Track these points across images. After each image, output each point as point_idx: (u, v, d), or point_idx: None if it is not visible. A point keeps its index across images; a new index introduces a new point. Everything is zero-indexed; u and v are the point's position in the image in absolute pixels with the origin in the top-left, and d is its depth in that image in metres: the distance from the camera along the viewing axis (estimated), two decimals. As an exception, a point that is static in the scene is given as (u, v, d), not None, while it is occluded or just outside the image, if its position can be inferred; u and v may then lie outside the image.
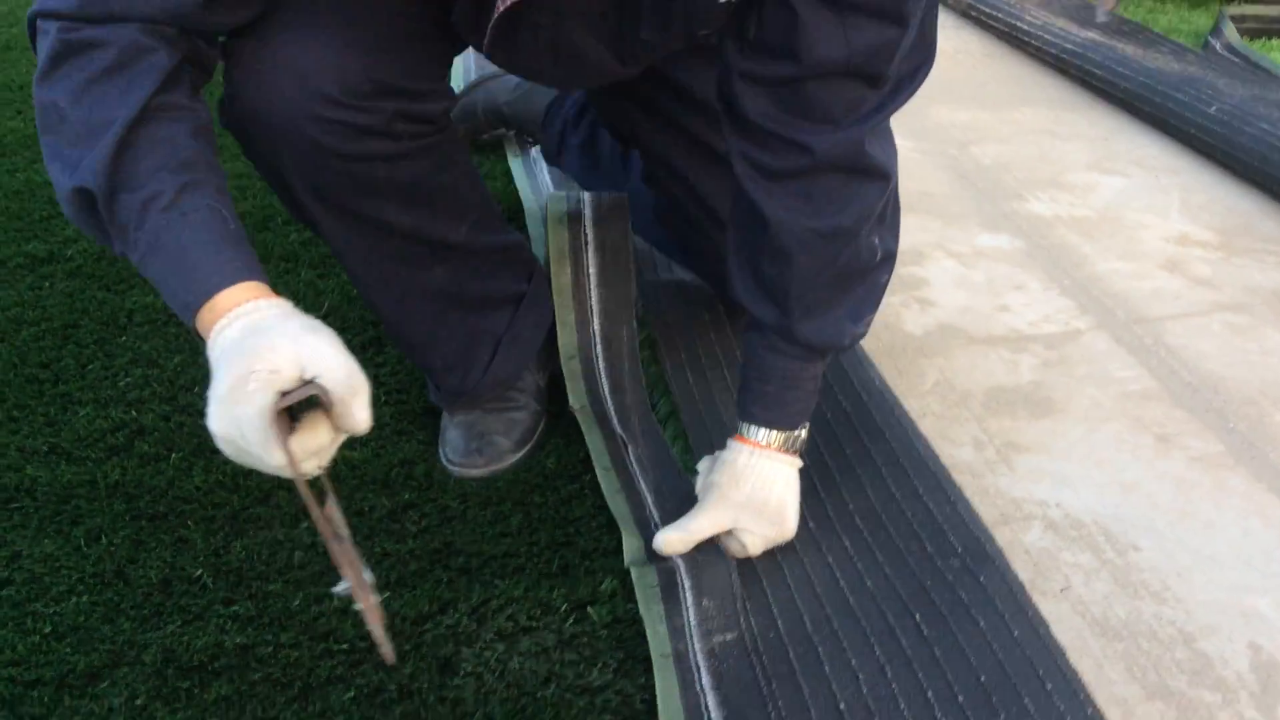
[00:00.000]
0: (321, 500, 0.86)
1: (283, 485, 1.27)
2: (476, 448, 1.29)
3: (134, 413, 1.40)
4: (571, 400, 1.35)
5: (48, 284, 1.70)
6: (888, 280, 1.15)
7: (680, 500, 1.16)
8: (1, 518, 1.22)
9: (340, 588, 0.88)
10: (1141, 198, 2.09)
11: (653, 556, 1.11)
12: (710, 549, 1.10)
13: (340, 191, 1.09)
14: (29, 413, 1.40)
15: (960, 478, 1.32)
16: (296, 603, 1.11)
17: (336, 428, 0.84)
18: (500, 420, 1.31)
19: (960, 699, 0.93)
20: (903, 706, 0.93)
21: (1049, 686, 0.94)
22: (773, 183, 1.03)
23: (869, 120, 0.99)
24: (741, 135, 1.04)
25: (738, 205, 1.09)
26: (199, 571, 1.15)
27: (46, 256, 1.77)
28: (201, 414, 1.36)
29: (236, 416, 0.79)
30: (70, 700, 1.01)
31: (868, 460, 1.26)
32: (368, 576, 0.88)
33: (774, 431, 1.13)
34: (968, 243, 1.92)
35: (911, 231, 1.95)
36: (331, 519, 0.87)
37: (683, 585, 1.07)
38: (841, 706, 0.93)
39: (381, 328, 1.57)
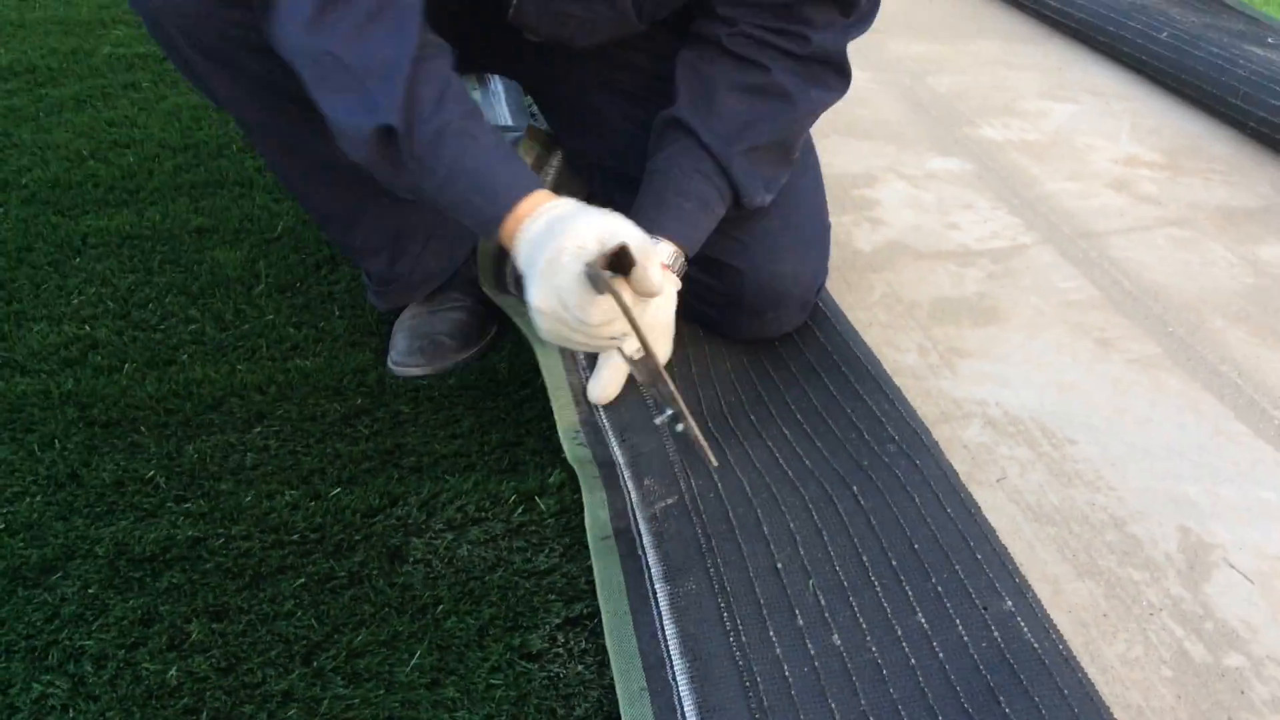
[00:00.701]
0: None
1: (236, 393, 1.29)
2: (420, 347, 1.30)
3: (88, 328, 1.41)
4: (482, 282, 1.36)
5: (2, 210, 1.69)
6: (783, 183, 1.23)
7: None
8: (-46, 427, 1.23)
9: (660, 418, 1.07)
10: (1092, 122, 2.12)
11: (590, 437, 1.15)
12: (649, 434, 1.13)
13: (222, 48, 1.09)
14: (-18, 330, 1.41)
15: (903, 381, 1.34)
16: (248, 499, 1.13)
17: (635, 289, 0.94)
18: (444, 320, 1.33)
19: (894, 563, 0.96)
20: (837, 567, 0.96)
21: (979, 557, 0.97)
22: (766, 49, 1.14)
23: (847, 33, 1.16)
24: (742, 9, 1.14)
25: (706, 59, 1.18)
26: (151, 473, 1.17)
27: (1, 184, 1.76)
28: (155, 328, 1.38)
29: (556, 286, 0.92)
30: (23, 590, 1.02)
31: (809, 368, 1.28)
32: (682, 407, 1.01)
33: (673, 248, 1.12)
34: (919, 166, 1.94)
35: (865, 156, 1.97)
36: (652, 367, 0.99)
37: (622, 472, 1.09)
38: (779, 565, 0.96)
39: (334, 249, 1.58)
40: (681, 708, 0.85)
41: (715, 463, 1.02)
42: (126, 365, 1.33)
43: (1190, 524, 1.15)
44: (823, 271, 1.31)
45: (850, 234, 1.71)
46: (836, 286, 1.53)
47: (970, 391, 1.35)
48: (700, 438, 1.00)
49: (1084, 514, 1.16)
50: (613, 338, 0.98)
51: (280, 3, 0.94)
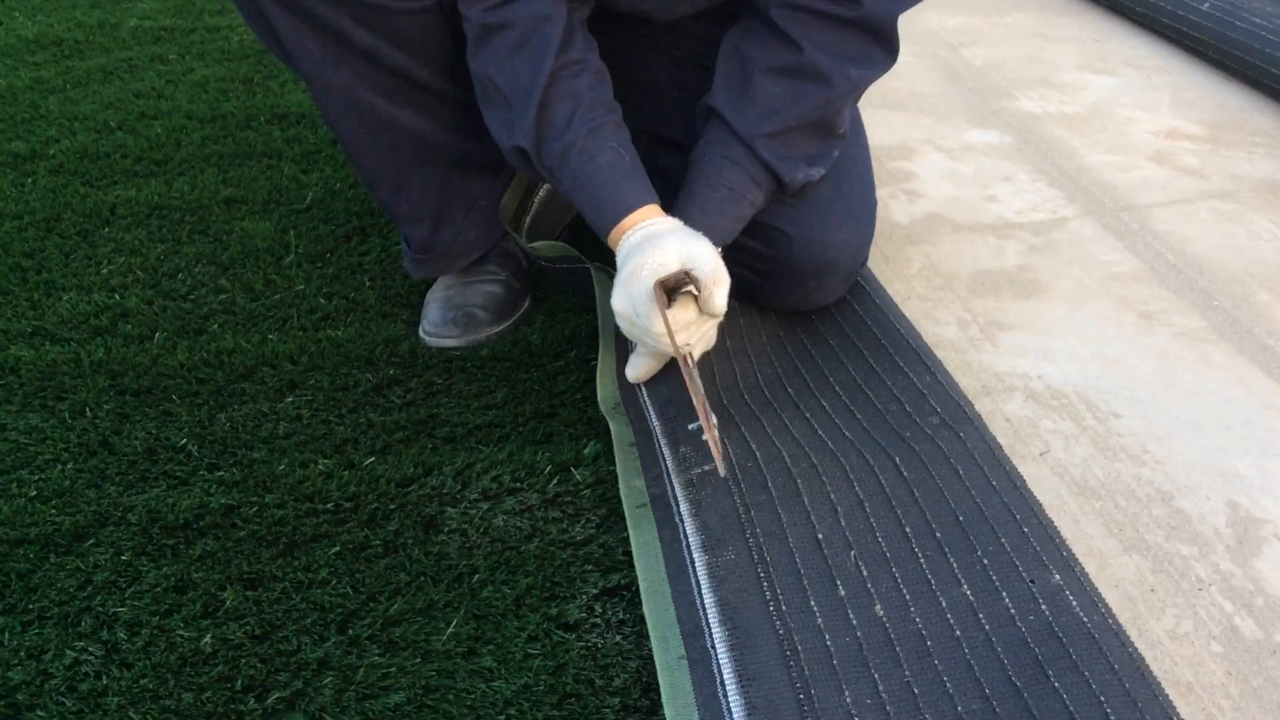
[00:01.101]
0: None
1: (267, 362, 1.27)
2: (453, 319, 1.29)
3: (117, 297, 1.40)
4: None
5: (30, 180, 1.69)
6: (835, 156, 1.22)
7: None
8: (-13, 394, 1.23)
9: (692, 425, 1.09)
10: (1132, 95, 2.08)
11: (628, 402, 1.15)
12: (681, 399, 1.12)
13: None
14: (12, 298, 1.40)
15: (943, 354, 1.32)
16: (282, 468, 1.12)
17: (701, 310, 1.05)
18: (478, 294, 1.31)
19: (938, 534, 0.94)
20: (880, 538, 0.94)
21: (1025, 530, 0.95)
22: (811, 19, 1.13)
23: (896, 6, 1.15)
24: None
25: (749, 39, 1.17)
26: (184, 441, 1.16)
27: (29, 155, 1.76)
28: (185, 298, 1.37)
29: (631, 294, 1.02)
30: (55, 557, 1.02)
31: (847, 341, 1.25)
32: (713, 419, 1.04)
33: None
34: (957, 138, 1.91)
35: (901, 128, 1.94)
36: (692, 376, 1.04)
37: (658, 438, 1.08)
38: (819, 536, 0.94)
39: (363, 218, 1.56)
40: (721, 676, 0.83)
41: (723, 473, 1.02)
42: (157, 334, 1.32)
43: (1239, 498, 1.13)
44: (869, 244, 1.29)
45: (887, 206, 1.68)
46: (874, 259, 1.50)
47: (1012, 365, 1.33)
48: (718, 452, 1.01)
49: (1130, 488, 1.14)
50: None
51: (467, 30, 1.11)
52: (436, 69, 1.21)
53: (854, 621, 0.87)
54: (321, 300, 1.39)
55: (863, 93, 1.22)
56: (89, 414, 1.20)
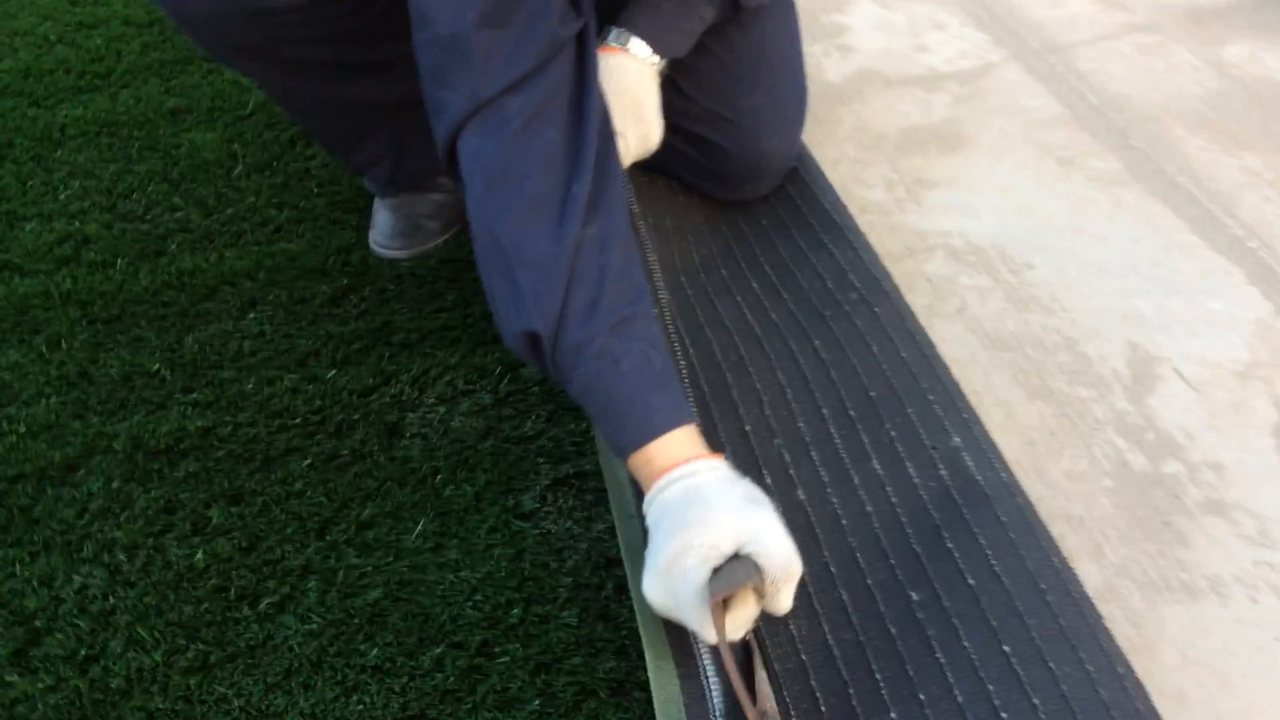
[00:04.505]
0: (749, 661, 0.86)
1: (226, 280, 1.34)
2: (403, 230, 1.35)
3: (78, 224, 1.45)
4: None
5: (-23, 105, 1.71)
6: None
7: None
8: (-35, 334, 1.29)
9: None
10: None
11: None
12: None
13: (256, 45, 1.10)
14: (-24, 233, 1.45)
15: (870, 217, 1.39)
16: (250, 386, 1.20)
17: (763, 609, 0.84)
18: (427, 203, 1.36)
19: (851, 413, 1.03)
20: (800, 424, 1.03)
21: (931, 399, 1.04)
22: None
23: None
24: None
25: None
26: (157, 366, 1.24)
27: (-30, 78, 1.77)
28: (141, 219, 1.42)
29: (674, 591, 0.80)
30: (52, 489, 1.11)
31: (779, 222, 1.32)
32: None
33: (645, 45, 1.12)
34: (888, -17, 1.92)
35: (832, -24, 1.95)
36: (759, 692, 0.83)
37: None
38: (747, 429, 1.03)
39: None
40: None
41: None
42: (119, 260, 1.38)
43: (1139, 338, 1.22)
44: (799, 138, 1.34)
45: (820, 65, 1.71)
46: (807, 123, 1.54)
47: (935, 223, 1.40)
48: None
49: (1038, 337, 1.23)
50: None
51: (461, 173, 0.90)
52: (406, 41, 1.15)
53: (779, 509, 0.97)
54: (273, 212, 1.45)
55: None
56: (64, 346, 1.27)
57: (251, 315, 1.30)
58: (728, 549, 0.79)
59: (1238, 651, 0.93)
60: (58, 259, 1.40)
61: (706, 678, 0.84)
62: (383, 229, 1.36)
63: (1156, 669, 0.92)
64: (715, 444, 1.03)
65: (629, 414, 0.86)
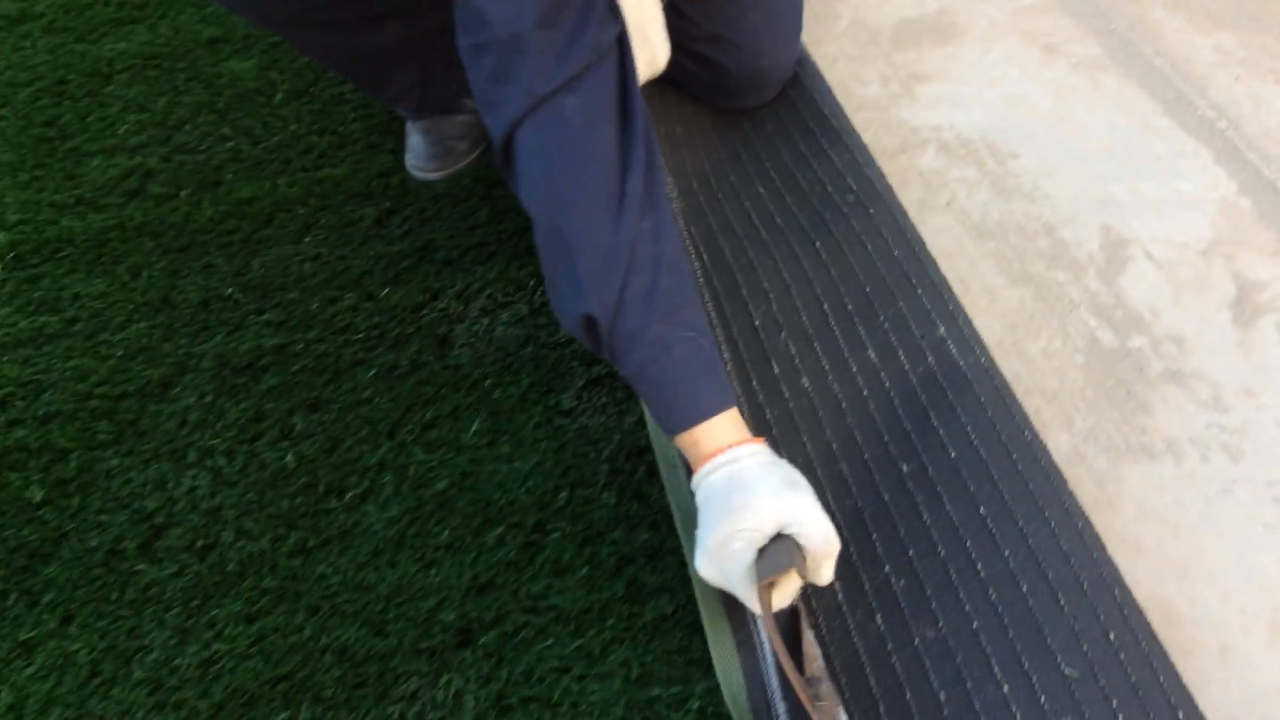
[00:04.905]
0: (796, 624, 0.94)
1: (281, 207, 1.48)
2: (435, 153, 1.46)
3: (139, 158, 1.58)
4: None
5: (28, 43, 1.82)
6: None
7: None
8: (54, 266, 1.44)
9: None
10: None
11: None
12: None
13: (286, 17, 1.16)
14: (49, 170, 1.59)
15: (867, 114, 1.50)
16: (315, 305, 1.35)
17: (804, 580, 0.91)
18: (454, 125, 1.48)
19: (849, 307, 1.17)
20: (804, 318, 1.17)
21: (919, 292, 1.17)
22: None
23: None
24: None
25: None
26: (230, 290, 1.38)
27: (19, 16, 1.88)
28: (196, 150, 1.55)
29: (724, 571, 0.88)
30: (153, 405, 1.27)
31: (783, 129, 1.43)
32: (843, 716, 0.90)
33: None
34: None
35: None
36: (806, 654, 0.91)
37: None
38: (756, 324, 1.17)
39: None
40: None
41: None
42: (182, 192, 1.52)
43: (1112, 222, 1.34)
44: (799, 49, 1.44)
45: (816, -42, 1.79)
46: (805, 18, 1.64)
47: (927, 118, 1.50)
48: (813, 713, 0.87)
49: (1020, 225, 1.35)
50: None
51: (515, 167, 0.94)
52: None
53: (786, 394, 1.11)
54: (315, 138, 1.57)
55: None
56: (144, 274, 1.42)
57: (308, 239, 1.43)
58: (770, 530, 0.86)
59: (1188, 504, 1.08)
60: (126, 192, 1.53)
61: (760, 644, 0.94)
62: (416, 152, 1.48)
63: (1116, 521, 1.07)
64: (729, 339, 1.17)
65: (679, 398, 0.92)
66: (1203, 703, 0.91)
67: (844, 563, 1.00)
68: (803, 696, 0.84)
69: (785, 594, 0.90)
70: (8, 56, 1.80)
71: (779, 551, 0.85)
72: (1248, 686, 0.95)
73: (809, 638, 0.93)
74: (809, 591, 0.99)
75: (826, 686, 0.91)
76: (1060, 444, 1.13)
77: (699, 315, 0.95)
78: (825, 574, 0.90)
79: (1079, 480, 1.09)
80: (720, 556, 0.87)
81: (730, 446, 0.91)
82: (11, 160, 1.60)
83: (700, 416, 0.91)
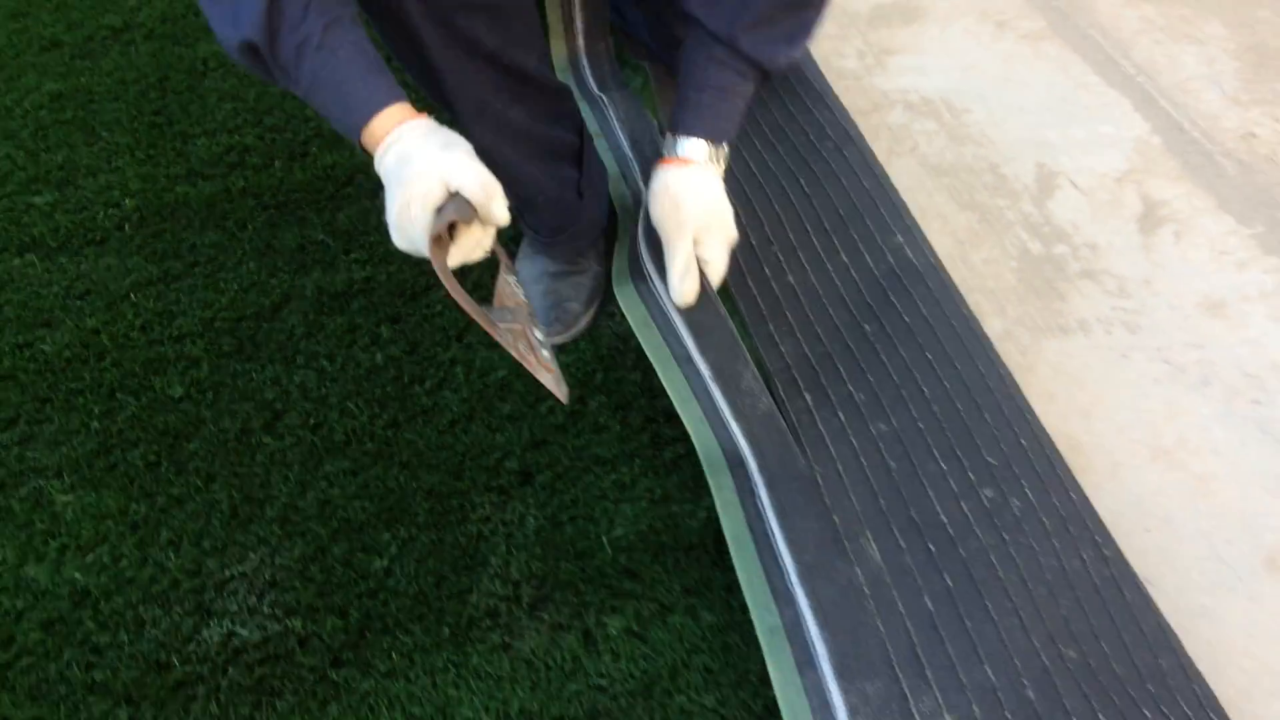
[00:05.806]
0: (493, 275, 1.14)
1: (359, 170, 1.78)
2: (556, 316, 1.48)
3: (237, 137, 1.89)
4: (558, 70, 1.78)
5: (132, 48, 2.14)
6: (818, 17, 1.22)
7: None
8: (174, 224, 1.75)
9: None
10: None
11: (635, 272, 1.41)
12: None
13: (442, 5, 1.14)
14: (161, 149, 1.90)
15: (845, 82, 1.80)
16: (393, 247, 1.64)
17: (484, 222, 1.03)
18: (569, 285, 1.51)
19: (826, 225, 1.46)
20: (791, 236, 1.46)
21: (882, 211, 1.46)
22: None
23: None
24: None
25: None
26: (321, 236, 1.69)
27: (123, 26, 2.20)
28: (284, 129, 1.85)
29: (409, 236, 1.01)
30: (265, 324, 1.57)
31: (773, 91, 1.73)
32: (538, 334, 1.09)
33: (701, 142, 1.22)
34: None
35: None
36: (501, 292, 1.11)
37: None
38: (753, 242, 1.46)
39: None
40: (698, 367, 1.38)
41: (564, 401, 1.13)
42: (275, 162, 1.83)
43: (1045, 159, 1.63)
44: None
45: (804, -43, 2.09)
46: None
47: (896, 83, 1.80)
48: (542, 374, 1.07)
49: (970, 165, 1.64)
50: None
51: None
52: (539, 56, 1.26)
53: (775, 290, 1.40)
54: (384, 115, 1.87)
55: None
56: (249, 227, 1.72)
57: (381, 196, 1.73)
58: (438, 190, 0.97)
59: (1093, 365, 1.37)
60: (228, 164, 1.84)
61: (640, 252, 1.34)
62: (539, 312, 1.55)
63: (1035, 380, 1.36)
64: (733, 270, 1.46)
65: (353, 95, 0.98)
66: (1097, 504, 1.19)
67: (811, 380, 1.29)
68: (481, 321, 1.04)
69: (469, 246, 1.04)
70: (115, 59, 2.12)
71: (447, 208, 0.99)
72: (1130, 492, 1.23)
73: (503, 278, 1.14)
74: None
75: (523, 314, 1.10)
76: (994, 327, 1.41)
77: (357, 27, 1.00)
78: (498, 214, 1.02)
79: (1007, 353, 1.38)
80: (403, 224, 1.00)
81: (396, 126, 1.00)
82: (129, 142, 1.91)
83: (375, 108, 0.99)
